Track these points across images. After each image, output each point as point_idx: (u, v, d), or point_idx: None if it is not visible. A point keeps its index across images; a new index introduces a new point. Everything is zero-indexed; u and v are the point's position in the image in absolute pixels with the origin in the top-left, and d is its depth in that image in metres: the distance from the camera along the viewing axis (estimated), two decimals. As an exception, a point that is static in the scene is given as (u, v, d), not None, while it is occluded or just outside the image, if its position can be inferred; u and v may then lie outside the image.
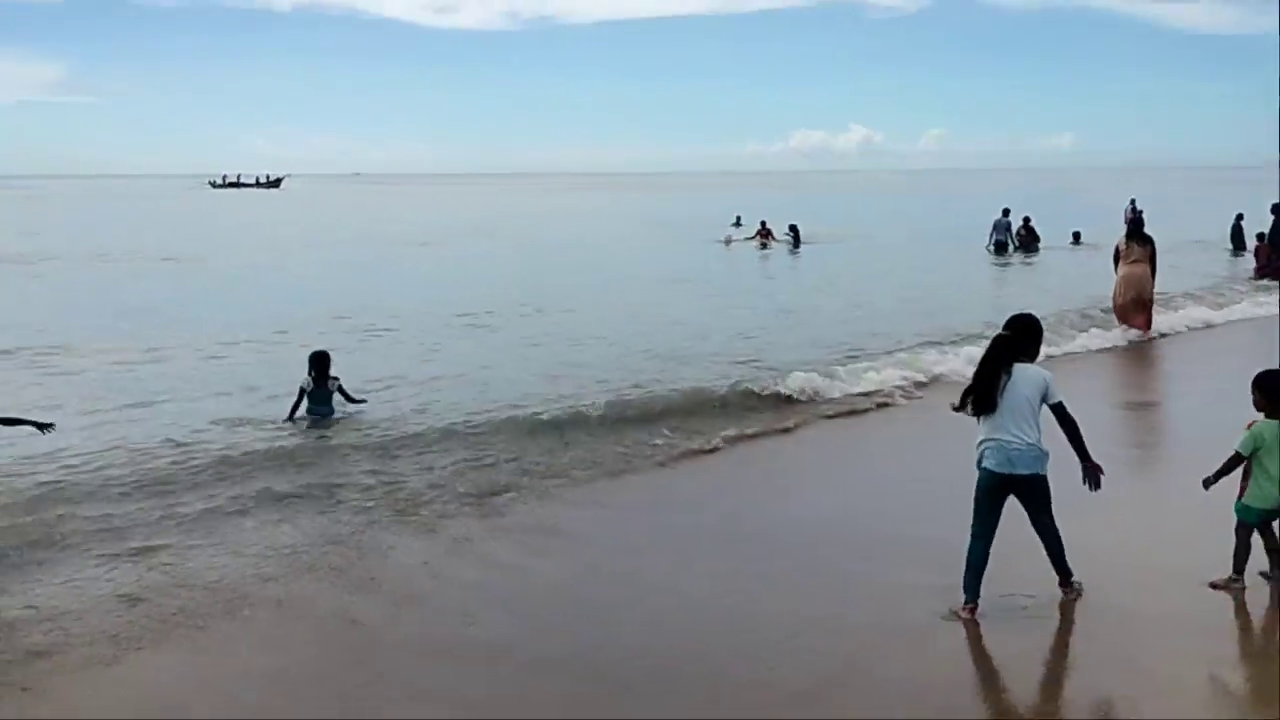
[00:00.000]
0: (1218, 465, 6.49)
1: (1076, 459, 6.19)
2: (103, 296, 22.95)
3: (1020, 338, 6.12)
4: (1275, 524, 6.49)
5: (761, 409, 11.80)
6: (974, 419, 6.18)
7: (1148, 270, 17.23)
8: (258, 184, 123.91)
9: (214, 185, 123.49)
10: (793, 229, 34.73)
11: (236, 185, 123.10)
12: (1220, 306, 19.96)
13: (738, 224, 39.58)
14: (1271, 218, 25.28)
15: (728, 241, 35.69)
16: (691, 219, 50.32)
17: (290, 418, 11.01)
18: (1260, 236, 25.52)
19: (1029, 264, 29.10)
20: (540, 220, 57.16)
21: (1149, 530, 7.88)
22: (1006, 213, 31.50)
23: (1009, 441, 5.93)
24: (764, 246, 34.31)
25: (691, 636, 6.18)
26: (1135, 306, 17.18)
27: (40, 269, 29.15)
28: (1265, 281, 23.16)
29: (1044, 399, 5.97)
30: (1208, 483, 6.47)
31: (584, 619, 6.48)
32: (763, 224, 35.75)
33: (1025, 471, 5.98)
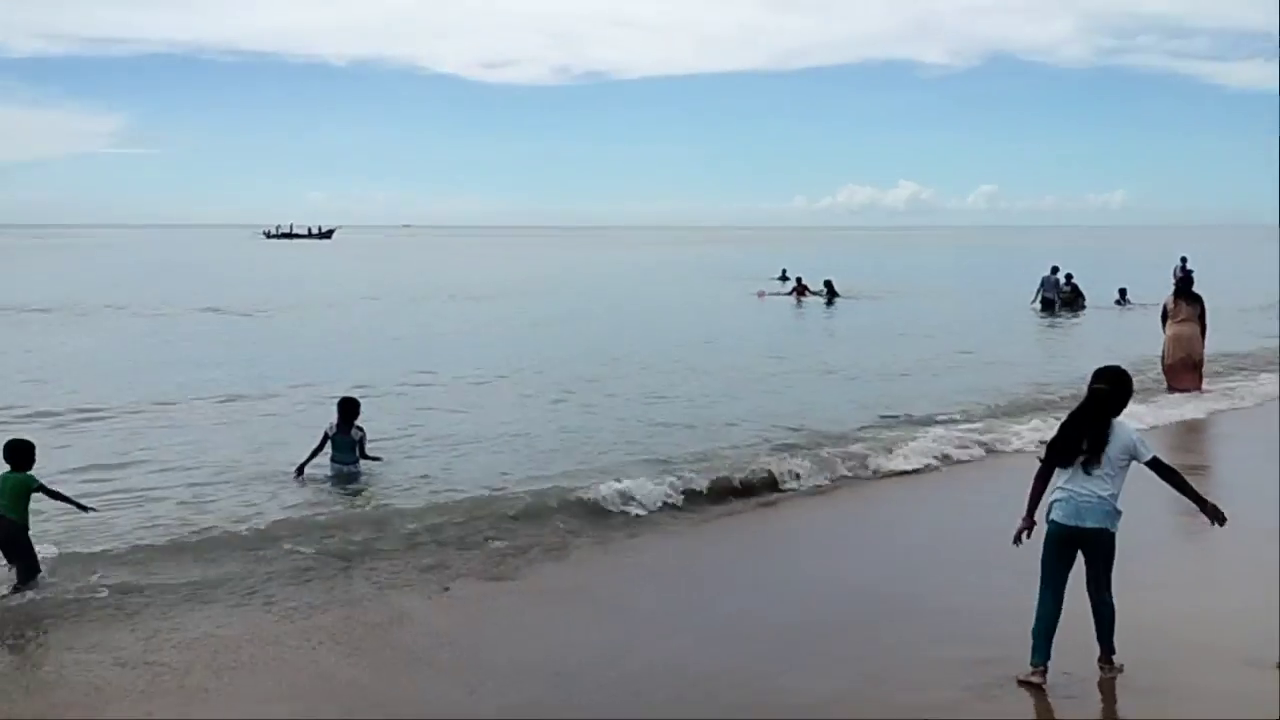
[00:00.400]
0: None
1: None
2: (152, 349, 23.08)
3: (1115, 391, 5.93)
4: None
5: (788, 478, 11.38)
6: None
7: (1197, 330, 16.83)
8: (309, 235, 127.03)
9: (268, 235, 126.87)
10: (827, 284, 34.90)
11: (289, 236, 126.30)
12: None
13: (783, 277, 39.84)
14: None
15: (761, 295, 35.86)
16: (737, 272, 50.17)
17: (308, 461, 10.81)
18: None
19: (1075, 322, 28.55)
20: (582, 275, 57.29)
21: (1199, 603, 7.46)
22: (1055, 270, 30.91)
23: (1081, 494, 5.74)
24: (799, 303, 34.45)
25: (713, 711, 5.87)
26: (1184, 367, 16.77)
27: (94, 320, 29.44)
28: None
29: (1135, 458, 5.80)
30: None
31: (598, 693, 6.18)
32: (798, 280, 36.24)
33: (1094, 525, 5.75)
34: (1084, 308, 30.67)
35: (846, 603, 7.66)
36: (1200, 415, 15.23)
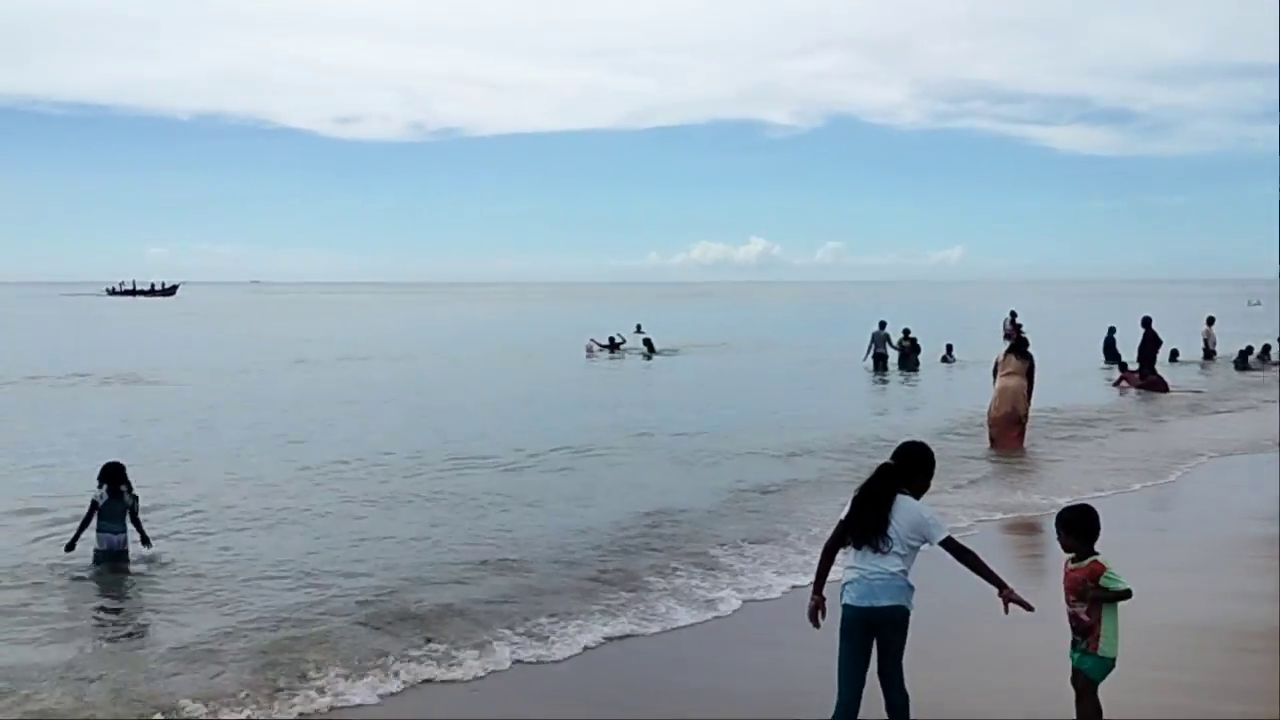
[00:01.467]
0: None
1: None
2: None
3: (904, 468, 5.54)
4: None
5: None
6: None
7: (1023, 384, 16.50)
8: (152, 291, 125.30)
9: (110, 292, 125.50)
10: (646, 341, 36.05)
11: (132, 293, 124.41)
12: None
13: (639, 331, 39.56)
14: (1141, 330, 25.24)
15: (589, 351, 35.82)
16: (578, 329, 48.99)
17: (78, 535, 9.74)
18: (1123, 366, 25.56)
19: (905, 382, 27.97)
20: (419, 333, 55.36)
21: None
22: (883, 325, 30.40)
23: (872, 572, 5.32)
24: (613, 355, 35.35)
25: None
26: (1008, 422, 16.36)
27: None
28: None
29: (925, 539, 5.39)
30: (1095, 636, 5.41)
31: None
32: (611, 338, 36.37)
33: (888, 603, 5.31)
34: (917, 364, 30.05)
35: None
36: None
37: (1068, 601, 5.42)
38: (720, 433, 18.02)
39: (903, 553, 5.31)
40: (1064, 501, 9.68)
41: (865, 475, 5.60)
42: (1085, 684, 5.38)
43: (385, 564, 9.72)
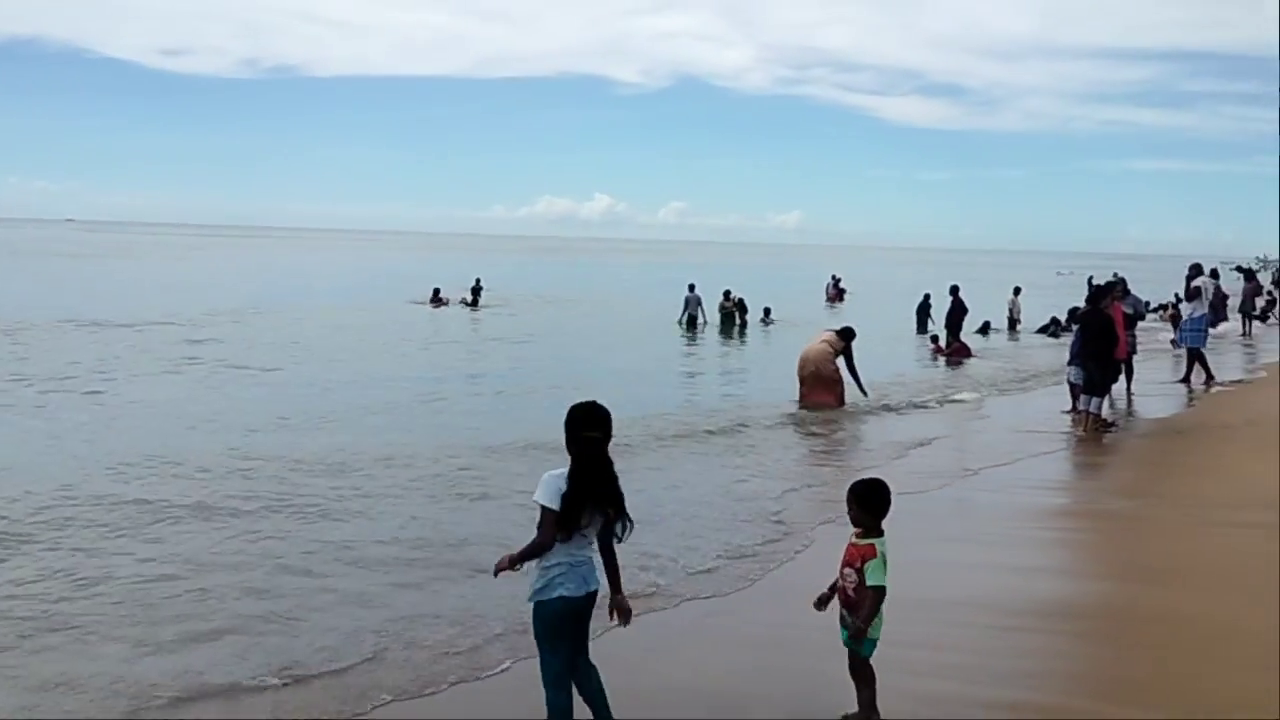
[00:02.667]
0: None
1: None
2: None
3: (608, 435, 4.86)
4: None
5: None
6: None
7: (827, 346, 16.71)
8: None
9: None
10: (473, 290, 36.75)
11: None
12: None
13: (477, 286, 38.41)
14: (949, 298, 25.79)
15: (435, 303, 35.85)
16: (419, 278, 47.22)
17: None
18: (934, 338, 25.95)
19: (722, 342, 27.96)
20: (235, 279, 52.51)
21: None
22: (692, 288, 31.07)
23: (580, 559, 4.81)
24: (436, 307, 35.21)
25: None
26: (814, 383, 16.52)
27: None
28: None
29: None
30: (859, 632, 5.11)
31: None
32: (435, 290, 36.69)
33: (594, 586, 4.86)
34: (745, 325, 30.61)
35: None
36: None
37: (841, 574, 5.15)
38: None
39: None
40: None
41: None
42: (855, 659, 5.20)
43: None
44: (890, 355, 22.81)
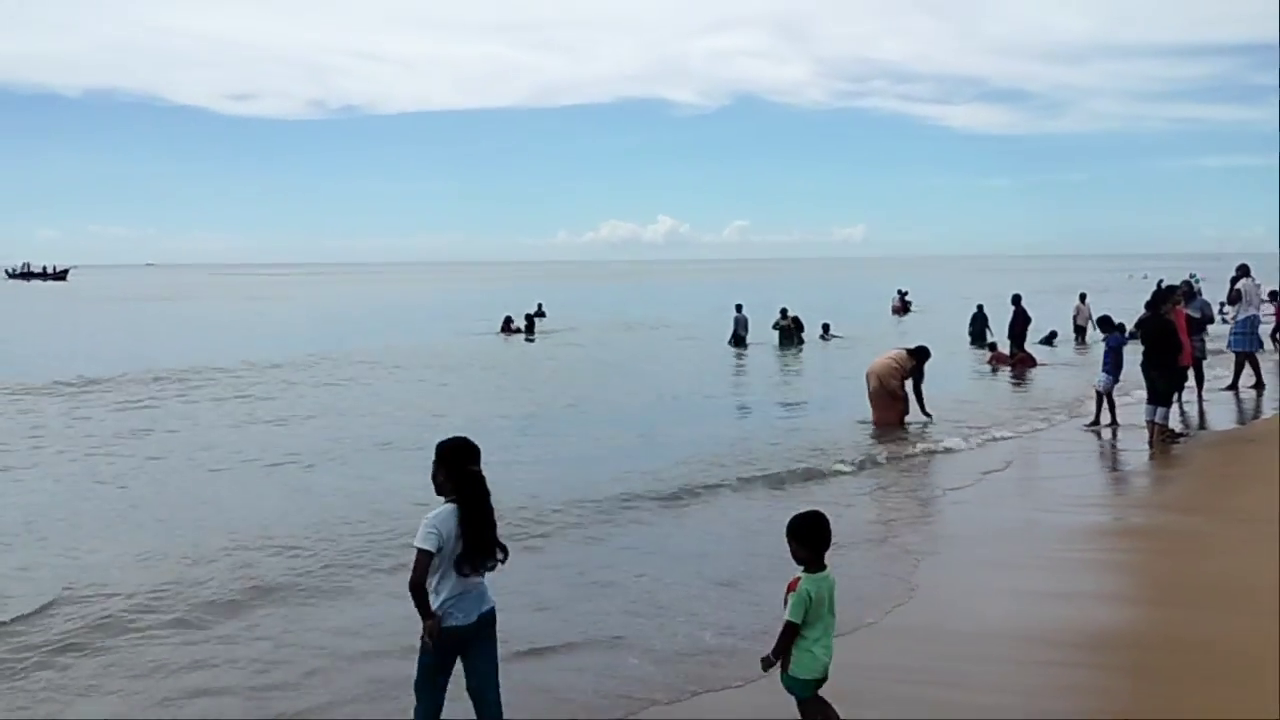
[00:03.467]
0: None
1: None
2: None
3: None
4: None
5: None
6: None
7: (893, 363, 16.22)
8: (44, 275, 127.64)
9: (9, 274, 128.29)
10: (528, 318, 36.60)
11: (28, 276, 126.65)
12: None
13: (539, 312, 39.64)
14: (1011, 308, 25.23)
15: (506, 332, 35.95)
16: (488, 308, 47.47)
17: None
18: (993, 346, 25.26)
19: (784, 356, 27.67)
20: (302, 314, 53.29)
21: None
22: (740, 308, 31.11)
23: (472, 587, 4.85)
24: (507, 339, 34.72)
25: None
26: (878, 399, 16.08)
27: None
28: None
29: None
30: (767, 664, 5.04)
31: None
32: (507, 318, 36.72)
33: (490, 606, 4.97)
34: (803, 342, 30.32)
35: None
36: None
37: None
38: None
39: None
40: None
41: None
42: (800, 703, 5.03)
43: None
44: (946, 371, 22.25)
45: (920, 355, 16.22)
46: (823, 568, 5.01)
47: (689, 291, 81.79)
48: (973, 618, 7.23)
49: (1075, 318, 30.18)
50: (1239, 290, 18.75)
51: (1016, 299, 25.31)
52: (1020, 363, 23.52)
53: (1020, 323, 24.86)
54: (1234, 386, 18.16)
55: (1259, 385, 18.12)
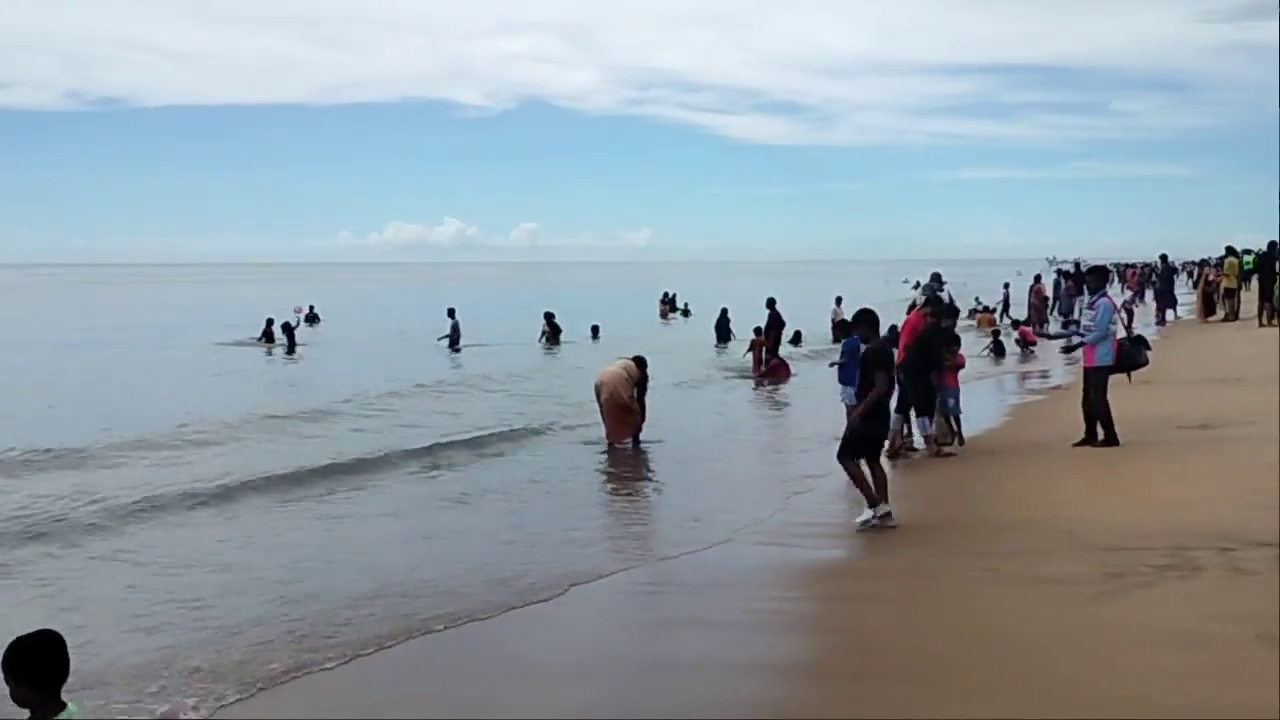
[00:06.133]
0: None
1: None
2: None
3: None
4: None
5: None
6: None
7: (620, 370, 14.84)
8: None
9: None
10: (285, 326, 32.05)
11: None
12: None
13: (311, 316, 38.80)
14: (766, 311, 24.78)
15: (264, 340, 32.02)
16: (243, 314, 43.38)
17: None
18: (757, 330, 24.40)
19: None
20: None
21: None
22: (452, 313, 31.64)
23: None
24: (269, 351, 30.93)
25: None
26: (611, 412, 14.68)
27: None
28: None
29: None
30: None
31: None
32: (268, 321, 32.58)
33: None
34: (559, 342, 31.37)
35: None
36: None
37: None
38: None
39: None
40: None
41: None
42: None
43: None
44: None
45: (641, 364, 15.10)
46: (61, 707, 3.54)
47: (477, 295, 79.42)
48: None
49: (833, 319, 30.15)
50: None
51: (771, 302, 24.91)
52: (773, 370, 22.79)
53: (775, 326, 24.43)
54: None
55: None
